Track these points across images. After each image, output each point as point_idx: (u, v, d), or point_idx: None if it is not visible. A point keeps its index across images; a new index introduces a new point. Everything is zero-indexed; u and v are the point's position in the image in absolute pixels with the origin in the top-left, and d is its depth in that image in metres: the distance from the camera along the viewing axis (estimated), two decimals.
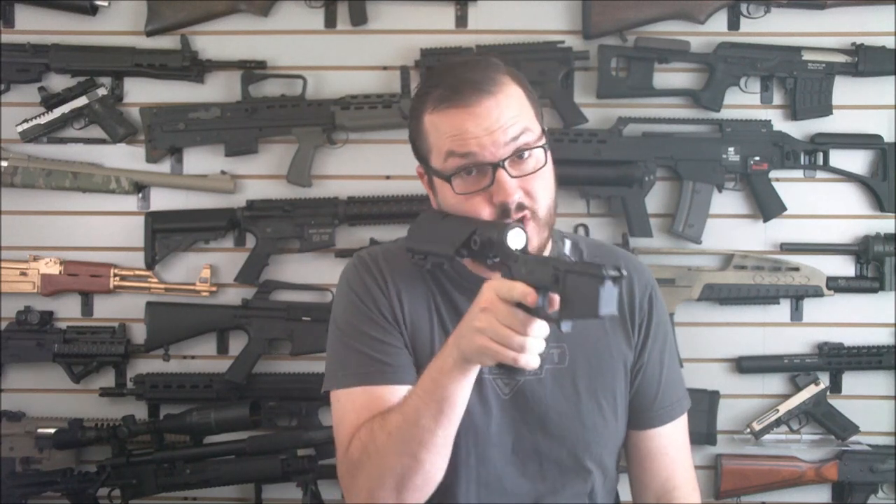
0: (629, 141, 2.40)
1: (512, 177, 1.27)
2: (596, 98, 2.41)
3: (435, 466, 1.24)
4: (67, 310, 2.47)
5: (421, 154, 1.37)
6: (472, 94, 1.28)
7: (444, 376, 1.18)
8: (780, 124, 2.42)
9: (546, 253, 1.41)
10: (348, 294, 1.40)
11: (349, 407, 1.34)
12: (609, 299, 1.03)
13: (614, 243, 2.39)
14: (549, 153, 1.33)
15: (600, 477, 1.41)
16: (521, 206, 1.28)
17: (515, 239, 1.18)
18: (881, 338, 2.43)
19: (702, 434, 2.35)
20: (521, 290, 1.10)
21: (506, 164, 1.27)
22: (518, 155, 1.28)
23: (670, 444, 1.46)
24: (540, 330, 1.11)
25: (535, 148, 1.30)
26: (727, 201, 2.44)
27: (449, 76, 1.32)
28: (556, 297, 1.08)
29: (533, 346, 1.11)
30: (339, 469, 1.34)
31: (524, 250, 1.19)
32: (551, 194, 1.33)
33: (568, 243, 1.46)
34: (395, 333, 1.36)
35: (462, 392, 1.20)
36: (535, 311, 1.10)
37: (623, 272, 1.04)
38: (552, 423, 1.36)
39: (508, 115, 1.28)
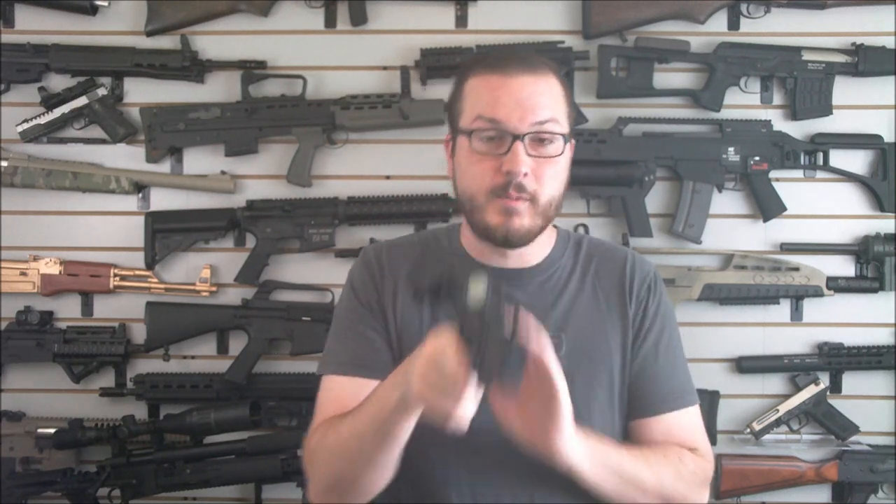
0: (629, 141, 2.40)
1: (528, 154, 1.30)
2: (596, 98, 2.41)
3: (375, 476, 1.26)
4: (67, 310, 2.47)
5: (452, 117, 1.39)
6: (515, 66, 1.33)
7: (387, 411, 1.19)
8: (780, 124, 2.42)
9: (545, 250, 1.43)
10: (347, 286, 1.46)
11: (324, 395, 1.40)
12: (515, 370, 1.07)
13: None
14: (568, 150, 1.36)
15: None
16: (521, 187, 1.30)
17: (476, 285, 1.09)
18: (881, 338, 2.43)
19: None
20: (454, 348, 1.07)
21: (525, 139, 1.30)
22: (539, 137, 1.31)
23: (668, 433, 1.41)
24: (472, 392, 1.08)
25: (556, 135, 1.32)
26: (727, 201, 2.44)
27: (500, 51, 1.39)
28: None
29: (462, 408, 1.08)
30: (303, 454, 1.39)
31: (485, 300, 1.09)
32: (558, 188, 1.35)
33: (570, 244, 1.48)
34: (380, 330, 1.40)
35: (405, 426, 1.20)
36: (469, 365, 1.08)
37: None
38: None
39: (542, 98, 1.32)
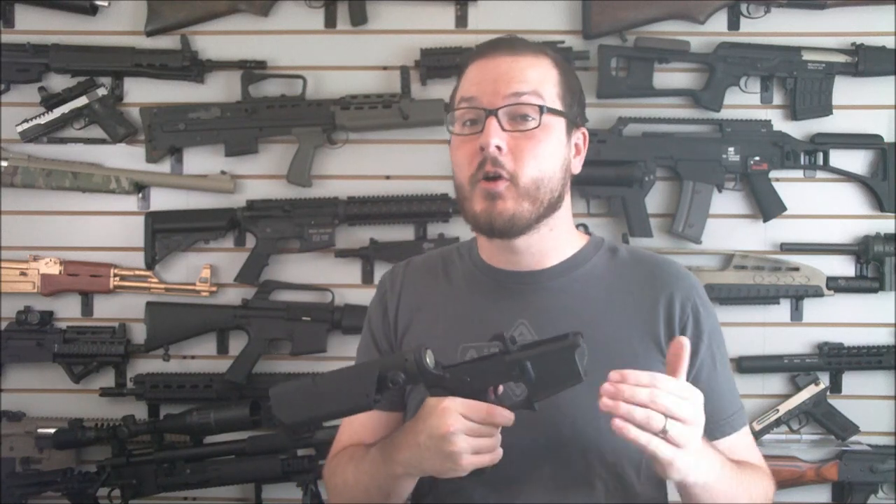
0: (629, 141, 2.40)
1: (504, 130, 1.26)
2: (596, 98, 2.41)
3: None
4: (67, 310, 2.47)
5: (451, 110, 1.37)
6: (495, 49, 1.32)
7: (391, 480, 1.26)
8: (780, 124, 2.42)
9: (565, 252, 1.37)
10: (367, 312, 1.49)
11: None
12: (582, 359, 1.10)
13: None
14: (556, 126, 1.30)
15: (616, 488, 1.32)
16: (495, 161, 1.26)
17: (430, 358, 1.15)
18: (881, 338, 2.43)
19: None
20: (487, 410, 1.14)
21: (500, 113, 1.26)
22: (517, 112, 1.27)
23: (730, 454, 1.36)
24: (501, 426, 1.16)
25: (533, 106, 1.27)
26: (727, 201, 2.44)
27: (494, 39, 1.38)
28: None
29: (498, 442, 1.17)
30: (324, 471, 1.46)
31: (442, 366, 1.16)
32: (544, 168, 1.28)
33: (602, 250, 1.41)
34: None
35: (406, 488, 1.29)
36: (499, 402, 1.14)
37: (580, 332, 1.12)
38: (565, 426, 1.29)
39: (521, 73, 1.28)
